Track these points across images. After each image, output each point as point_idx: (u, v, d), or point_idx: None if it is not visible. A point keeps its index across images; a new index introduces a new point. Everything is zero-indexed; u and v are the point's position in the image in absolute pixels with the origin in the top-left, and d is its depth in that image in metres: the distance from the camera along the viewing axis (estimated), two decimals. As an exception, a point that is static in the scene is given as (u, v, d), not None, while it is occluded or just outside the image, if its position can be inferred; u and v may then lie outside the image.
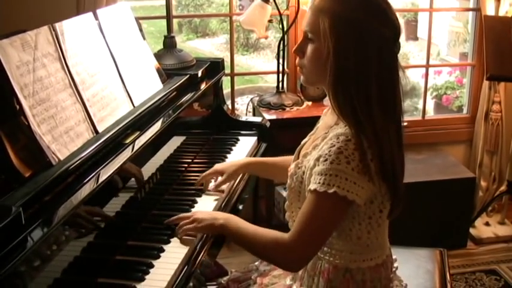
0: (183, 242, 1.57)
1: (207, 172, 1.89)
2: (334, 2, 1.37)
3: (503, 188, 3.26)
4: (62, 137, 1.46)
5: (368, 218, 1.43)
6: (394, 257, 1.60)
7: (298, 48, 1.47)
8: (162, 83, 2.05)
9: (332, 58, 1.35)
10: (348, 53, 1.34)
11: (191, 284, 1.48)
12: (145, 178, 1.74)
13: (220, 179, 1.88)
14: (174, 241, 1.58)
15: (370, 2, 1.38)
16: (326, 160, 1.34)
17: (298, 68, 1.51)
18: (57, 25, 1.59)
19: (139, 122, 1.75)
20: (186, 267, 1.50)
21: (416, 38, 6.48)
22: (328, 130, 1.45)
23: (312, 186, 1.36)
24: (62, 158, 1.42)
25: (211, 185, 1.89)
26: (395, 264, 1.60)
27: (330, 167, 1.33)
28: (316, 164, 1.38)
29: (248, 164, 1.93)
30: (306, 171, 1.43)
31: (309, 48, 1.43)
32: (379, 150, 1.34)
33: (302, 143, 1.61)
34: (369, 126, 1.34)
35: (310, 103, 2.96)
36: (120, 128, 1.63)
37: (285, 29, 2.92)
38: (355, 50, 1.34)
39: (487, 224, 3.29)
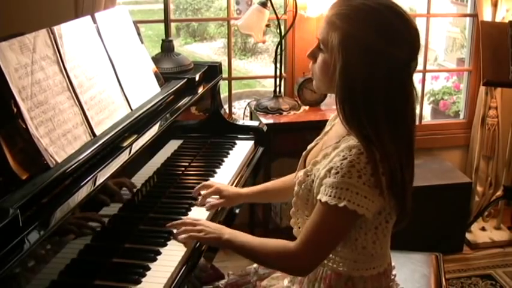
0: (183, 244, 1.57)
1: (209, 191, 1.83)
2: (345, 20, 1.34)
3: (499, 193, 3.27)
4: (60, 139, 1.46)
5: (374, 228, 1.43)
6: (392, 264, 1.59)
7: (311, 53, 1.46)
8: (160, 86, 2.05)
9: (338, 74, 1.34)
10: (354, 72, 1.33)
11: (186, 287, 1.48)
12: (143, 181, 1.74)
13: (218, 201, 1.82)
14: (171, 244, 1.58)
15: (383, 23, 1.33)
16: (338, 173, 1.33)
17: (310, 73, 1.49)
18: (55, 28, 1.59)
19: (136, 125, 1.75)
20: (182, 270, 1.51)
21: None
22: (340, 140, 1.43)
23: (323, 198, 1.35)
24: (59, 161, 1.42)
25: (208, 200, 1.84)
26: (393, 272, 1.60)
27: (341, 181, 1.32)
28: (328, 175, 1.37)
29: (250, 195, 1.87)
30: (315, 180, 1.42)
31: (320, 57, 1.42)
32: (388, 165, 1.33)
33: (308, 148, 1.60)
34: (376, 140, 1.33)
35: (307, 107, 2.97)
36: (117, 131, 1.64)
37: (283, 34, 2.93)
38: (362, 70, 1.32)
39: (483, 228, 3.30)
